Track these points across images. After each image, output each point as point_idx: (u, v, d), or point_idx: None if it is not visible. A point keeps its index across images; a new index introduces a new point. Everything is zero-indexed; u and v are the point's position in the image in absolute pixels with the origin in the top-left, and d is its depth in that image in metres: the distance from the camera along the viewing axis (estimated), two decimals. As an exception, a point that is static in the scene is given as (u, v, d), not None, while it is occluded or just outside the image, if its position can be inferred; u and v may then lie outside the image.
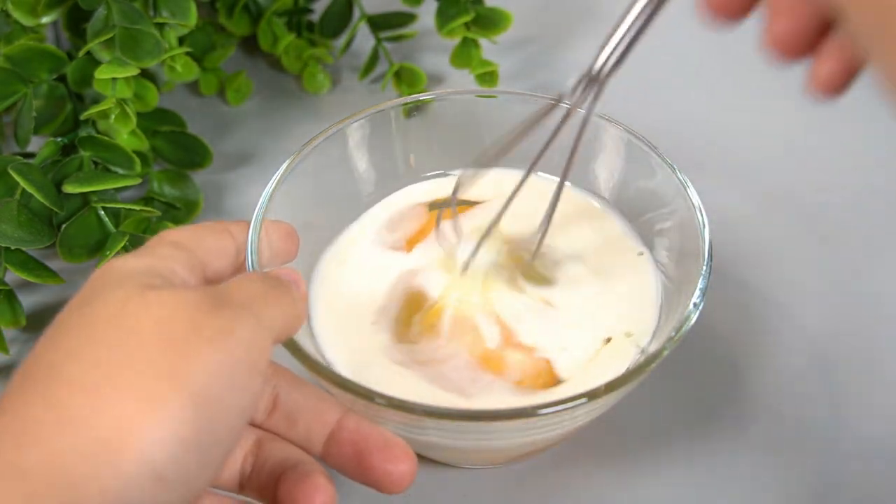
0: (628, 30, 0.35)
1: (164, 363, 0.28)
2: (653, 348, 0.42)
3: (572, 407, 0.37)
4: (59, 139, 0.54)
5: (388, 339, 0.44)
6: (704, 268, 0.42)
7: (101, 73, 0.50)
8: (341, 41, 0.65)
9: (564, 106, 0.41)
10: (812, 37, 0.30)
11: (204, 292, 0.31)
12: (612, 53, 0.37)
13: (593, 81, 0.38)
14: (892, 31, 0.26)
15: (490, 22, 0.59)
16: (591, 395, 0.37)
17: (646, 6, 0.35)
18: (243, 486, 0.35)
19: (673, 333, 0.40)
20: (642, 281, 0.46)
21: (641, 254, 0.47)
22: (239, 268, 0.38)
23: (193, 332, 0.29)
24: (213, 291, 0.32)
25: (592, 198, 0.50)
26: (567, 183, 0.49)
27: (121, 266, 0.32)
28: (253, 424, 0.36)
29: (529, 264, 0.46)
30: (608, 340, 0.44)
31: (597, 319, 0.45)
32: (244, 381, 0.30)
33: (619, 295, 0.46)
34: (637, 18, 0.35)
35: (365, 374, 0.42)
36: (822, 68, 0.30)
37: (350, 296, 0.46)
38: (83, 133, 0.54)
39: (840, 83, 0.30)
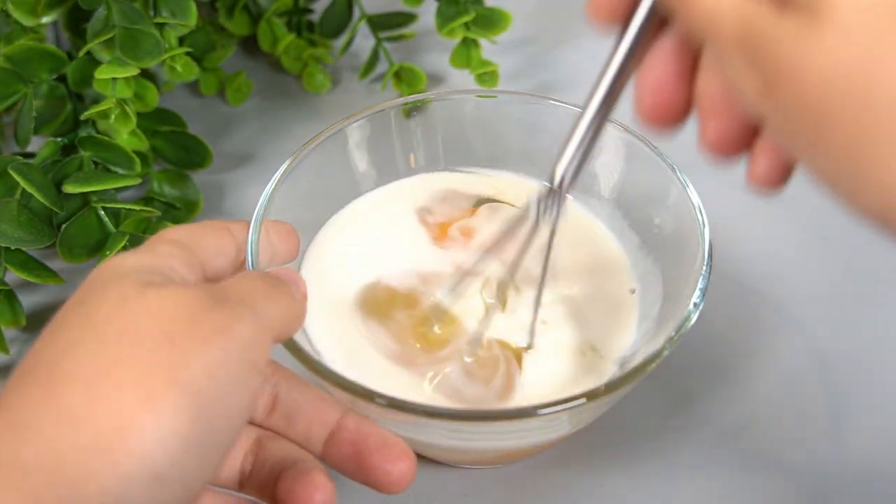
0: (581, 141, 0.36)
1: (163, 360, 0.28)
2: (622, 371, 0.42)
3: (572, 407, 0.37)
4: (59, 139, 0.54)
5: (382, 338, 0.44)
6: (704, 268, 0.42)
7: (101, 73, 0.50)
8: (341, 41, 0.65)
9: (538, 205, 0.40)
10: (743, 136, 0.30)
11: (203, 289, 0.31)
12: (568, 166, 0.37)
13: (554, 194, 0.38)
14: (812, 138, 0.26)
15: (490, 22, 0.59)
16: (591, 395, 0.37)
17: (593, 119, 0.35)
18: (243, 484, 0.35)
19: (673, 333, 0.40)
20: (624, 318, 0.45)
21: (633, 291, 0.47)
22: (239, 267, 0.38)
23: (192, 329, 0.29)
24: (213, 289, 0.31)
25: (600, 222, 0.49)
26: (578, 203, 0.49)
27: (120, 263, 0.32)
28: (253, 423, 0.36)
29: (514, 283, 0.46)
30: (583, 353, 0.44)
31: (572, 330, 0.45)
32: (243, 379, 0.30)
33: (598, 321, 0.45)
34: (588, 129, 0.36)
35: (361, 375, 0.42)
36: (758, 165, 0.31)
37: (349, 296, 0.46)
38: (83, 133, 0.54)
39: (777, 178, 0.31)
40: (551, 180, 0.37)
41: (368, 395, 0.37)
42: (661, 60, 0.31)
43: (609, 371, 0.43)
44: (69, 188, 0.50)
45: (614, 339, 0.44)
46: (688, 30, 0.30)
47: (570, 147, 0.36)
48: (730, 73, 0.28)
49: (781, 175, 0.31)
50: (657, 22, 0.32)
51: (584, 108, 0.35)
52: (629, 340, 0.44)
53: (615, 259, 0.48)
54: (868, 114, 0.25)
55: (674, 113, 0.32)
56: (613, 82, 0.34)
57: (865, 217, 0.27)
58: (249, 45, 0.67)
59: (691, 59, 0.31)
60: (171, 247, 0.34)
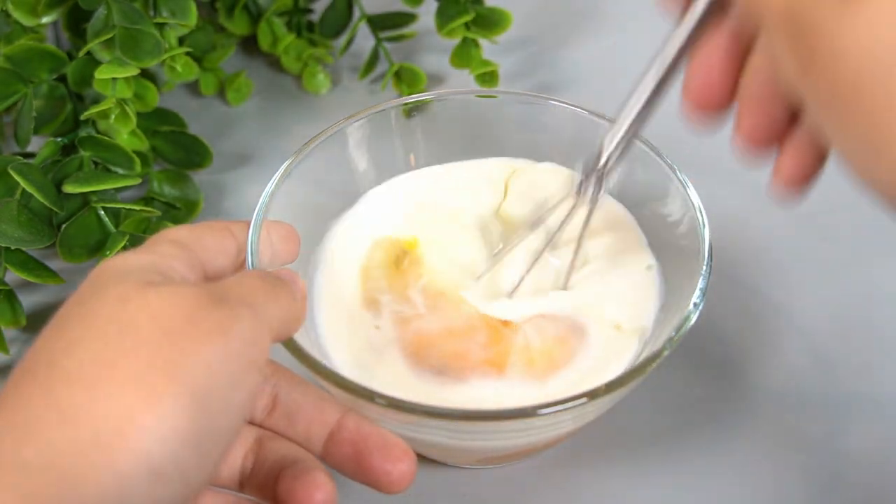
0: (629, 127, 0.38)
1: (163, 358, 0.29)
2: (647, 353, 0.42)
3: (572, 407, 0.37)
4: (59, 139, 0.54)
5: (390, 334, 0.44)
6: (704, 268, 0.42)
7: (101, 73, 0.50)
8: (341, 41, 0.65)
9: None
10: (775, 133, 0.33)
11: (203, 288, 0.31)
12: (613, 151, 0.40)
13: (599, 173, 0.41)
14: (843, 116, 0.28)
15: (490, 22, 0.59)
16: (591, 395, 0.37)
17: (645, 104, 0.37)
18: (243, 484, 0.35)
19: (673, 333, 0.40)
20: (643, 290, 0.46)
21: (650, 267, 0.46)
22: (239, 267, 0.38)
23: (192, 327, 0.29)
24: (213, 288, 0.32)
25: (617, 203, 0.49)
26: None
27: (120, 263, 0.32)
28: (253, 423, 0.36)
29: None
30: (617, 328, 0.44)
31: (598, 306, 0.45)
32: (243, 378, 0.30)
33: (617, 293, 0.46)
34: (637, 117, 0.38)
35: (367, 374, 0.42)
36: (785, 164, 0.33)
37: (349, 296, 0.46)
38: (83, 133, 0.54)
39: (800, 179, 0.33)
40: (597, 160, 0.40)
41: (368, 395, 0.37)
42: (714, 49, 0.33)
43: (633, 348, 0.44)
44: (69, 188, 0.50)
45: (637, 315, 0.45)
46: (743, 11, 0.31)
47: (620, 128, 0.39)
48: (775, 52, 0.30)
49: (804, 177, 0.33)
50: (715, 9, 0.33)
51: (634, 92, 0.37)
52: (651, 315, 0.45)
53: (630, 238, 0.48)
54: (891, 92, 0.26)
55: (717, 101, 0.33)
56: (668, 68, 0.35)
57: (879, 195, 0.28)
58: (249, 45, 0.67)
59: (741, 52, 0.33)
60: (171, 247, 0.34)
